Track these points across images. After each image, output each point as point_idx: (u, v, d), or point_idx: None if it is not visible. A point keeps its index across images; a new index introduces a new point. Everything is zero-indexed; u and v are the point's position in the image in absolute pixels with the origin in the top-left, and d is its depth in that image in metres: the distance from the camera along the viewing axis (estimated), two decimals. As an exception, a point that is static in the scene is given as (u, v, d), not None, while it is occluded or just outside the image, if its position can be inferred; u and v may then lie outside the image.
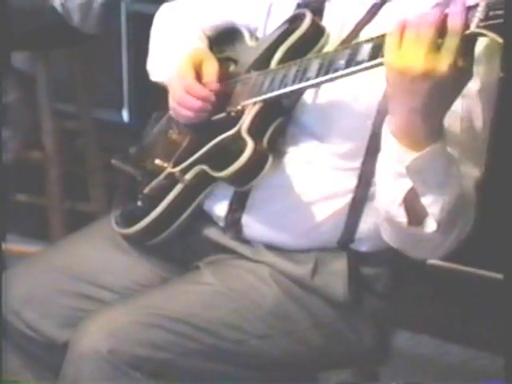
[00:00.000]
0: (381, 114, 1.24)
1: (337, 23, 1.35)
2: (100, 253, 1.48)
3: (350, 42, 1.29)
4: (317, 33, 1.35)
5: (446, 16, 1.06)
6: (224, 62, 1.45)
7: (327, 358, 1.40)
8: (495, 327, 1.63)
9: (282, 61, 1.34)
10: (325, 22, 1.36)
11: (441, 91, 1.08)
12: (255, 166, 1.30)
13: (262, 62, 1.37)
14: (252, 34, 1.47)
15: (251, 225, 1.37)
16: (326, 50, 1.32)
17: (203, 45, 1.48)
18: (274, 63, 1.35)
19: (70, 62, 2.33)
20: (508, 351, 1.04)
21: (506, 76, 1.08)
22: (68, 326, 1.42)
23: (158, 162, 1.45)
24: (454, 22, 1.05)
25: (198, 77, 1.39)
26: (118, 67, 2.64)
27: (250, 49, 1.45)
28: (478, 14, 1.04)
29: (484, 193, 1.25)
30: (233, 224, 1.38)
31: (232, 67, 1.45)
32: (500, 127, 1.17)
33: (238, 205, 1.38)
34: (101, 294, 1.43)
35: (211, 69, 1.39)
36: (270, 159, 1.30)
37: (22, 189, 2.45)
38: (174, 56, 1.45)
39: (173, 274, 1.45)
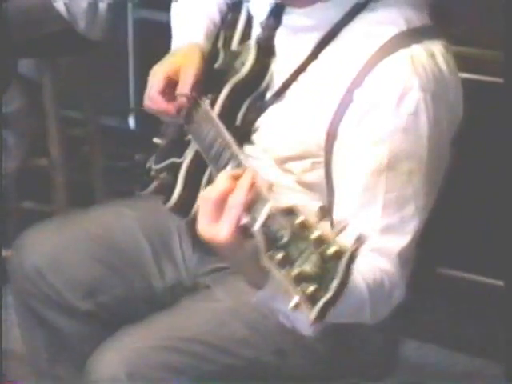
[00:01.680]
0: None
1: (285, 56, 1.36)
2: (128, 230, 1.50)
3: (297, 76, 1.32)
4: (262, 71, 1.37)
5: (228, 191, 1.08)
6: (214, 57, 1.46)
7: (334, 368, 1.40)
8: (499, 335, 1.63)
9: (229, 96, 1.37)
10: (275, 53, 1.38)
11: (230, 256, 1.11)
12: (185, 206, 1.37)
13: (216, 89, 1.40)
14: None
15: None
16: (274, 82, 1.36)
17: (202, 39, 1.47)
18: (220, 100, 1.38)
19: (76, 69, 2.33)
20: (509, 358, 1.04)
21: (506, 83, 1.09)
22: (91, 296, 1.45)
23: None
24: (234, 201, 1.07)
25: (172, 83, 1.41)
26: (124, 74, 2.64)
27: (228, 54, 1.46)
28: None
29: (484, 200, 1.25)
30: None
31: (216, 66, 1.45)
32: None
33: None
34: (127, 271, 1.46)
35: (186, 80, 1.40)
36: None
37: (27, 196, 2.44)
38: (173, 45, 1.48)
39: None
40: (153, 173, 1.51)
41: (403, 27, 1.27)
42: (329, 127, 1.27)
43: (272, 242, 0.97)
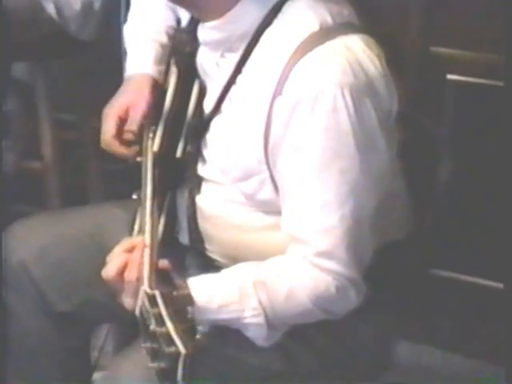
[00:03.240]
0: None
1: (212, 72, 1.37)
2: (119, 231, 1.48)
3: (227, 91, 1.33)
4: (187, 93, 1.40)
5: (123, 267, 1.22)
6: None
7: (329, 366, 1.40)
8: (498, 337, 1.63)
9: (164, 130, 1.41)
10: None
11: None
12: None
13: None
14: None
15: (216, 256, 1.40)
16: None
17: (151, 66, 1.48)
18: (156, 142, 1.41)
19: (69, 71, 2.32)
20: (509, 360, 1.04)
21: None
22: (70, 297, 1.45)
23: None
24: (128, 277, 1.20)
25: (124, 123, 1.43)
26: (118, 76, 2.63)
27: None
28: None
29: (484, 202, 1.25)
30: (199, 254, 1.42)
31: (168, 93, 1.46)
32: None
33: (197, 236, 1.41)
34: None
35: (134, 117, 1.42)
36: None
37: (21, 199, 2.43)
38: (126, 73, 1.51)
39: None
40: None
41: (316, 27, 1.25)
42: (263, 140, 1.27)
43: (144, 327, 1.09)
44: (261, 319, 1.24)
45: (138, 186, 1.51)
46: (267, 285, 1.25)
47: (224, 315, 1.23)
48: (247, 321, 1.24)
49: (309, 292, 1.25)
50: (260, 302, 1.24)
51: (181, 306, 1.08)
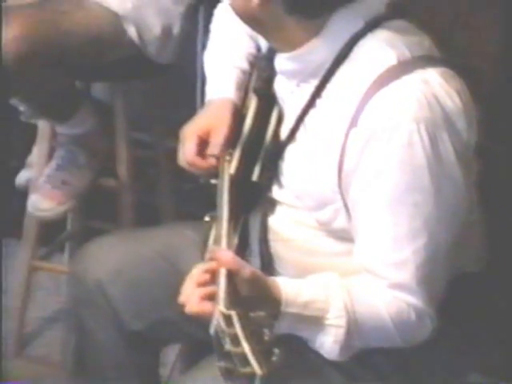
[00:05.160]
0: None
1: (288, 101, 1.38)
2: (191, 253, 1.50)
3: (302, 120, 1.34)
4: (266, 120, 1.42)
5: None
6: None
7: None
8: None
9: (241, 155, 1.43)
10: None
11: None
12: None
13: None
14: None
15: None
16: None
17: (233, 91, 1.51)
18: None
19: (145, 92, 2.37)
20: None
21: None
22: (144, 316, 1.47)
23: None
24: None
25: (203, 143, 1.45)
26: (192, 97, 2.67)
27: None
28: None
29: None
30: None
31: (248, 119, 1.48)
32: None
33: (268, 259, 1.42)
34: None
35: (216, 140, 1.45)
36: None
37: (95, 215, 2.48)
38: (208, 89, 1.52)
39: None
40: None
41: (393, 61, 1.26)
42: (337, 170, 1.28)
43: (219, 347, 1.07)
44: (343, 321, 1.24)
45: (208, 206, 1.54)
46: (352, 293, 1.26)
47: (309, 312, 1.23)
48: (330, 322, 1.24)
49: (390, 310, 1.26)
50: (345, 304, 1.24)
51: (257, 327, 1.09)
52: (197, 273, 1.23)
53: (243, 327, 1.06)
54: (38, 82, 2.01)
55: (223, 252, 1.21)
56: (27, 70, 1.93)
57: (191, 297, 1.19)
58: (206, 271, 1.21)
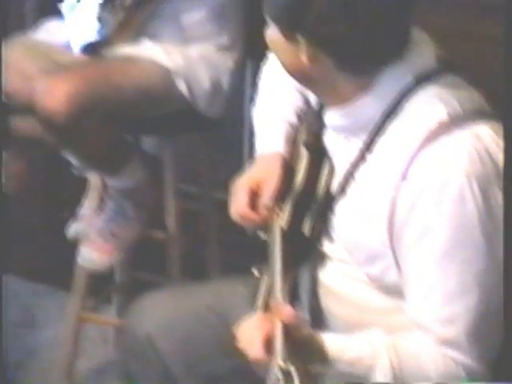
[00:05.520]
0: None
1: (337, 156, 1.40)
2: (241, 308, 1.50)
3: (351, 175, 1.34)
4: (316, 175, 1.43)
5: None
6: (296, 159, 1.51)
7: None
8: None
9: (293, 209, 1.43)
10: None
11: None
12: None
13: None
14: None
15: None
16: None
17: (282, 145, 1.52)
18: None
19: (194, 144, 2.39)
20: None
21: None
22: (194, 371, 1.48)
23: None
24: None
25: (254, 194, 1.47)
26: (239, 149, 2.69)
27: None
28: None
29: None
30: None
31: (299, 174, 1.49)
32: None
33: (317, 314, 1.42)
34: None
35: (268, 193, 1.46)
36: None
37: (143, 267, 2.50)
38: (258, 143, 1.54)
39: None
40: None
41: (444, 116, 1.26)
42: (388, 224, 1.28)
43: None
44: (389, 378, 1.24)
45: (255, 258, 1.55)
46: (399, 350, 1.25)
47: (355, 368, 1.23)
48: (376, 380, 1.24)
49: (438, 367, 1.25)
50: (391, 362, 1.24)
51: (316, 381, 1.09)
52: (256, 320, 1.23)
53: (302, 382, 1.07)
54: (90, 137, 2.04)
55: (284, 306, 1.22)
56: (79, 125, 1.97)
57: (254, 342, 1.20)
58: (265, 320, 1.21)
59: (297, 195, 1.45)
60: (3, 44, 2.10)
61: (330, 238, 1.40)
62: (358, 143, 1.34)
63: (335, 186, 1.40)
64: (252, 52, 2.23)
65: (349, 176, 1.36)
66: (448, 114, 1.27)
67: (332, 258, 1.40)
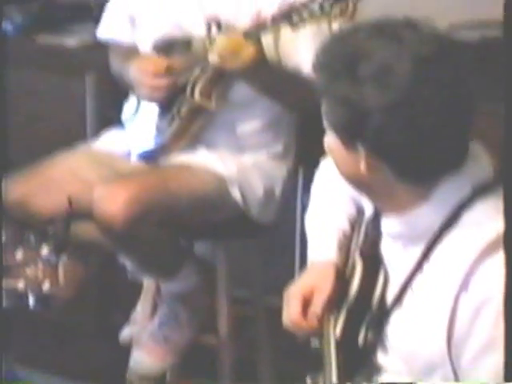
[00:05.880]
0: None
1: (393, 264, 1.40)
2: None
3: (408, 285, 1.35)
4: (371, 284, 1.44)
5: None
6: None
7: None
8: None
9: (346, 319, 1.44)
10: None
11: None
12: None
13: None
14: None
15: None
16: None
17: (335, 253, 1.54)
18: None
19: (246, 249, 2.41)
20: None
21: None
22: None
23: None
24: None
25: (306, 302, 1.49)
26: (290, 254, 2.71)
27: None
28: None
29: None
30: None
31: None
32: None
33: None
34: None
35: (319, 300, 1.48)
36: None
37: (195, 372, 2.49)
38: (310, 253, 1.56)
39: None
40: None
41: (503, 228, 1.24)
42: (447, 335, 1.28)
43: None
44: None
45: (307, 365, 1.54)
46: None
47: None
48: None
49: None
50: None
51: None
52: None
53: None
54: (146, 241, 2.08)
55: None
56: (136, 231, 2.01)
57: None
58: None
59: (351, 304, 1.45)
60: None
61: (385, 349, 1.40)
62: (414, 252, 1.35)
63: (390, 295, 1.40)
64: (305, 159, 2.27)
65: (406, 286, 1.36)
66: None
67: (387, 369, 1.40)
